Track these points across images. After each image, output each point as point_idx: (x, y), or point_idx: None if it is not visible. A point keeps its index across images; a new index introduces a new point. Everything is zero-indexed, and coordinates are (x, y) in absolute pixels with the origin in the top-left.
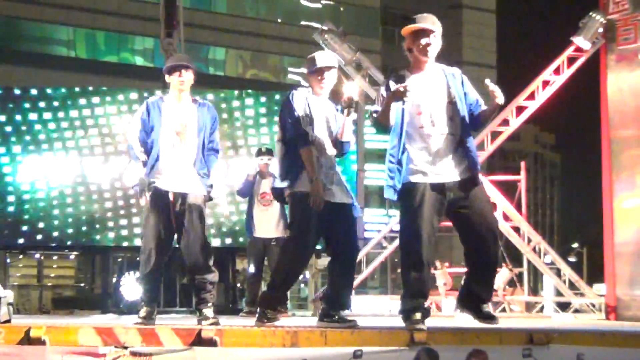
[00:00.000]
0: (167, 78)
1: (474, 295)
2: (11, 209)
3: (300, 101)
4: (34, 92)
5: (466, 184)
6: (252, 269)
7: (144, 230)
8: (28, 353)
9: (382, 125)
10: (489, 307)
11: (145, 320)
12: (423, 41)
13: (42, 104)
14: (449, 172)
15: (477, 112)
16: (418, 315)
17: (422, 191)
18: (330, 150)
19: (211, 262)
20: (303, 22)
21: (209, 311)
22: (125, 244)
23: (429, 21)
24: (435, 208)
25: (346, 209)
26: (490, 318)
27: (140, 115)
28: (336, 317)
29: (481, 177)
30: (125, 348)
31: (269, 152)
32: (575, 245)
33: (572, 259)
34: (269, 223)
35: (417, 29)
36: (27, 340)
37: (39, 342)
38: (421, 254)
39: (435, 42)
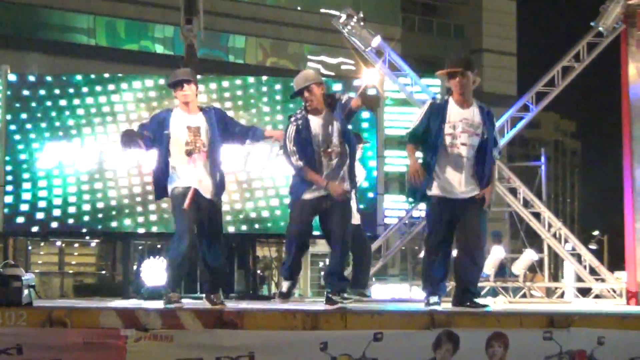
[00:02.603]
0: (173, 92)
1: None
2: (41, 194)
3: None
4: (64, 78)
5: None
6: None
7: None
8: (50, 335)
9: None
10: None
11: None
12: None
13: (71, 90)
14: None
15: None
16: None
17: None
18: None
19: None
20: (323, 10)
21: (215, 296)
22: (154, 229)
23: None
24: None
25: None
26: (481, 306)
27: (147, 123)
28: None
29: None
30: (147, 330)
31: None
32: (596, 233)
33: (592, 247)
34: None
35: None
36: (49, 322)
37: (61, 324)
38: None
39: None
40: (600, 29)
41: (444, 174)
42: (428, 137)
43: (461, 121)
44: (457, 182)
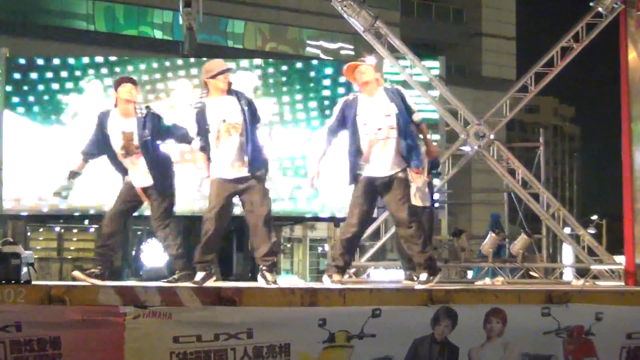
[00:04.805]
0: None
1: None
2: (36, 179)
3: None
4: (71, 61)
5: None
6: None
7: None
8: (49, 312)
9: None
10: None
11: None
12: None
13: (78, 73)
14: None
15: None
16: None
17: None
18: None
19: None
20: None
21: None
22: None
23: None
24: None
25: None
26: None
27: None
28: None
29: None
30: (145, 307)
31: None
32: (594, 217)
33: (591, 231)
34: None
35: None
36: (48, 299)
37: (60, 301)
38: None
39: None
40: (600, 9)
41: (368, 158)
42: (347, 129)
43: (371, 109)
44: (382, 163)
